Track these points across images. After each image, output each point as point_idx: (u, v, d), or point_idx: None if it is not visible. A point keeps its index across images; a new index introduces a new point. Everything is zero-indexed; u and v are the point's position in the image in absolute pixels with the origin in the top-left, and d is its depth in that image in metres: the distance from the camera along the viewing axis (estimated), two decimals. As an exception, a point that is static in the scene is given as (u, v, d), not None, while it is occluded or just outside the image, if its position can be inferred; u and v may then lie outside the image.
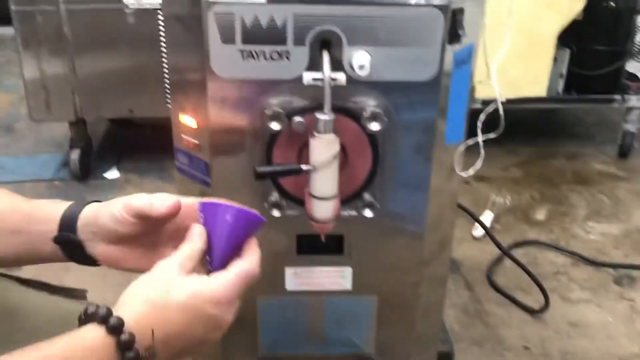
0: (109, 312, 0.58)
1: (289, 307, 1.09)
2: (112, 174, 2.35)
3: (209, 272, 0.67)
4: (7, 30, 2.14)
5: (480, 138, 0.98)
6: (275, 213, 0.97)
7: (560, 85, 2.45)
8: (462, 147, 1.01)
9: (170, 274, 0.62)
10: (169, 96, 0.99)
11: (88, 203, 0.74)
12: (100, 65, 2.14)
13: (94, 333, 0.58)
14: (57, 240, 0.73)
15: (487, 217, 2.04)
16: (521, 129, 2.68)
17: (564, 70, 2.43)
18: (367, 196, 0.96)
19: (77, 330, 0.59)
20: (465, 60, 0.94)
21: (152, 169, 2.35)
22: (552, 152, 2.59)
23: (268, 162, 0.93)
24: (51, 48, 2.09)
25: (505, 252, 1.74)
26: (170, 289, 0.61)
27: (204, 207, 0.70)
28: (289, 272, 1.04)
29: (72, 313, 0.68)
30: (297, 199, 0.96)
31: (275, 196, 0.96)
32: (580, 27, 2.31)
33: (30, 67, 2.09)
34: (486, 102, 0.99)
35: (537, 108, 2.69)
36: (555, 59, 2.36)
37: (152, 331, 0.59)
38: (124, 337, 0.57)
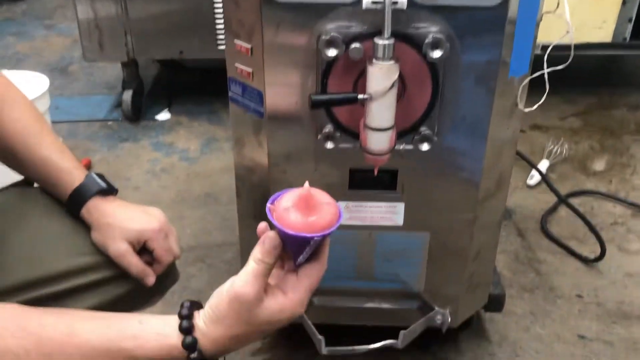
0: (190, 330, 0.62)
1: (339, 241, 1.08)
2: (164, 115, 2.37)
3: (294, 266, 0.65)
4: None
5: (545, 70, 0.93)
6: (329, 145, 0.95)
7: (628, 30, 2.30)
8: (526, 81, 0.96)
9: (250, 308, 0.61)
10: (220, 36, 0.97)
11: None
12: (152, 6, 2.14)
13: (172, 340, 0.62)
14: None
15: (542, 166, 1.97)
16: (581, 77, 2.56)
17: (633, 14, 2.28)
18: (424, 129, 0.93)
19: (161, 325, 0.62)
20: (535, -16, 0.88)
21: (202, 112, 2.36)
22: (614, 102, 2.47)
23: (323, 91, 0.90)
24: (104, -12, 2.09)
25: (562, 199, 1.68)
26: (251, 321, 0.62)
27: (284, 235, 0.62)
28: (340, 206, 1.02)
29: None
30: (352, 132, 0.94)
31: (329, 128, 0.94)
32: (653, -34, 2.16)
33: (84, 7, 2.10)
34: (546, 47, 0.93)
35: (600, 55, 2.55)
36: (624, 2, 2.21)
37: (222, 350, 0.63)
38: (193, 355, 0.61)
